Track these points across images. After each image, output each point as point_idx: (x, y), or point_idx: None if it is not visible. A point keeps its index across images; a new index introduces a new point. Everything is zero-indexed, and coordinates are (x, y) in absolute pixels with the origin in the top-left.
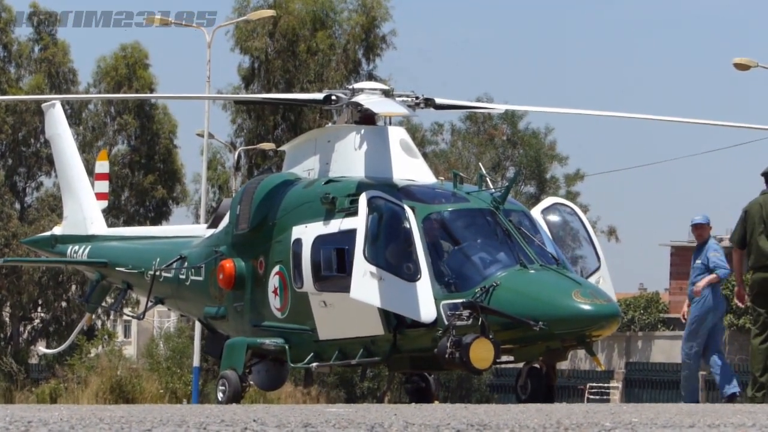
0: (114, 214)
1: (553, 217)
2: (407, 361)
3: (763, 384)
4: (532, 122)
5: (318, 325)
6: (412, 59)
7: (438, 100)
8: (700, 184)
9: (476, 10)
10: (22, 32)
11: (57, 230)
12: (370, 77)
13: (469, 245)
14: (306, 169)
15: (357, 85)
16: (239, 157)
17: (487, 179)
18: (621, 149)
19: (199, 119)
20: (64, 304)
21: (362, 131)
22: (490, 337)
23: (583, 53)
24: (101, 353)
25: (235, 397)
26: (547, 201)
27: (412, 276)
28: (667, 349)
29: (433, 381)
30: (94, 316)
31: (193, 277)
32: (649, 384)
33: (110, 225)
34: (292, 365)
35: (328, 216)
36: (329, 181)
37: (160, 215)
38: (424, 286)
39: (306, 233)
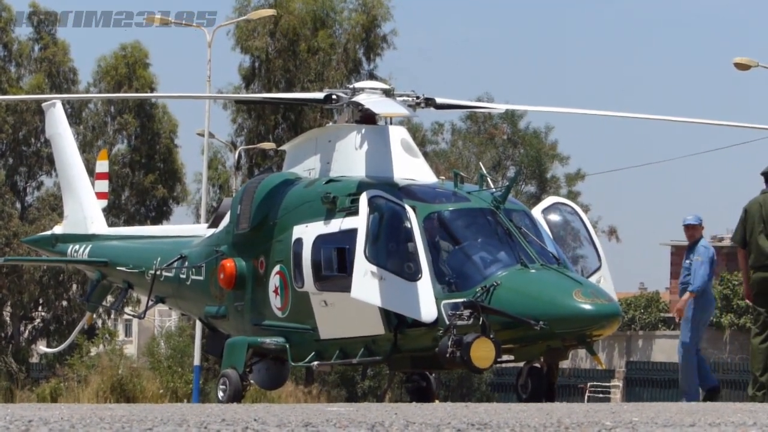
0: (114, 213)
1: (554, 217)
2: (408, 361)
3: (763, 383)
4: (533, 122)
5: (319, 325)
6: (413, 59)
7: (438, 100)
8: (700, 184)
9: (476, 9)
10: (22, 32)
11: (57, 229)
12: (371, 77)
13: (470, 245)
14: (307, 168)
15: (357, 85)
16: (240, 156)
17: (488, 179)
18: (621, 149)
19: (199, 119)
20: (64, 303)
21: (363, 131)
22: (491, 336)
23: (583, 53)
24: (102, 352)
25: (236, 396)
26: (548, 200)
27: (413, 275)
28: (668, 349)
29: (433, 380)
30: (94, 316)
31: (193, 277)
32: (649, 383)
33: (111, 224)
34: (293, 364)
35: (329, 215)
36: (330, 180)
37: (160, 215)
38: (425, 286)
39: (307, 233)
